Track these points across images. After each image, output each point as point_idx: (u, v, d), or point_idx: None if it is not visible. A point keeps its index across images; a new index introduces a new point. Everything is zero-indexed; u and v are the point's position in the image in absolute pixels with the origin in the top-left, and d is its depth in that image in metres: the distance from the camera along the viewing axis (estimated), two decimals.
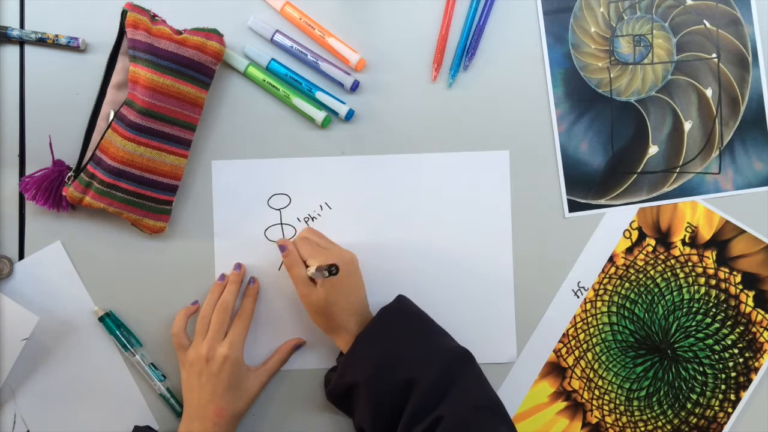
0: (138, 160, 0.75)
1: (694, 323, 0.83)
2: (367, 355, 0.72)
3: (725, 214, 0.83)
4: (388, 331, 0.73)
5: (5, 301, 0.76)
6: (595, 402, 0.83)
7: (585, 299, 0.83)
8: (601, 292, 0.83)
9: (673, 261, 0.83)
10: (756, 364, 0.83)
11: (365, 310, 0.77)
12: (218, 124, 0.81)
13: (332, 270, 0.66)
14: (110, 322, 0.79)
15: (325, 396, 0.78)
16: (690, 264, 0.83)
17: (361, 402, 0.72)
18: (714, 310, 0.83)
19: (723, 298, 0.83)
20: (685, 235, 0.83)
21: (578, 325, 0.83)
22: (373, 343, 0.73)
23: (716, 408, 0.83)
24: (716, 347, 0.83)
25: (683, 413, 0.83)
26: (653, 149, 0.83)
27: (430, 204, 0.82)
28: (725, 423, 0.83)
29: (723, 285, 0.83)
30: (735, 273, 0.83)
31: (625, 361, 0.83)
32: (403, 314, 0.75)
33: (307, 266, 0.74)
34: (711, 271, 0.83)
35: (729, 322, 0.83)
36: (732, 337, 0.83)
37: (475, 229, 0.82)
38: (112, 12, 0.78)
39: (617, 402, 0.83)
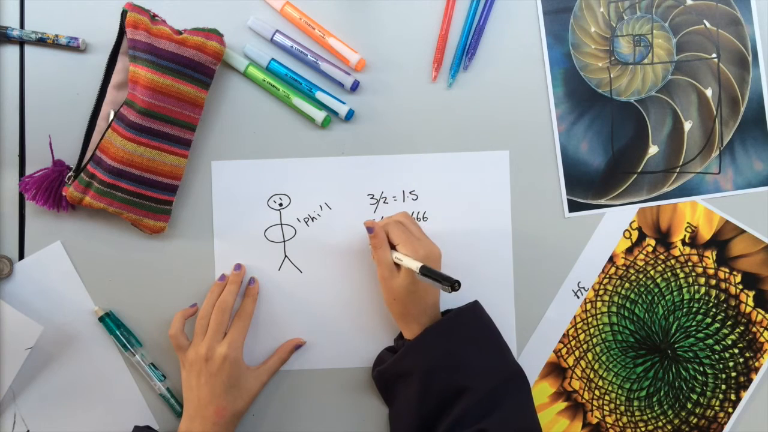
0: (138, 160, 0.75)
1: (694, 323, 0.83)
2: (431, 349, 0.73)
3: (725, 214, 0.83)
4: (457, 333, 0.74)
5: (9, 311, 0.76)
6: (595, 402, 0.83)
7: (585, 299, 0.83)
8: (601, 292, 0.83)
9: (673, 261, 0.83)
10: (756, 364, 0.83)
11: (437, 308, 0.77)
12: (218, 124, 0.81)
13: (455, 286, 0.64)
14: (110, 322, 0.79)
15: (371, 376, 0.81)
16: (690, 264, 0.83)
17: (409, 392, 0.73)
18: (714, 310, 0.83)
19: (723, 298, 0.83)
20: (685, 235, 0.83)
21: (578, 326, 0.83)
22: (440, 339, 0.74)
23: (716, 408, 0.83)
24: (716, 347, 0.83)
25: (683, 413, 0.83)
26: (653, 149, 0.83)
27: (430, 204, 0.82)
28: (725, 423, 0.83)
29: (723, 285, 0.83)
30: (735, 273, 0.83)
31: (625, 362, 0.83)
32: (474, 320, 0.76)
33: (395, 250, 0.74)
34: (711, 271, 0.83)
35: (729, 322, 0.83)
36: (732, 337, 0.83)
37: (475, 229, 0.82)
38: (112, 12, 0.78)
39: (617, 402, 0.83)
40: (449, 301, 0.79)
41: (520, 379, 0.74)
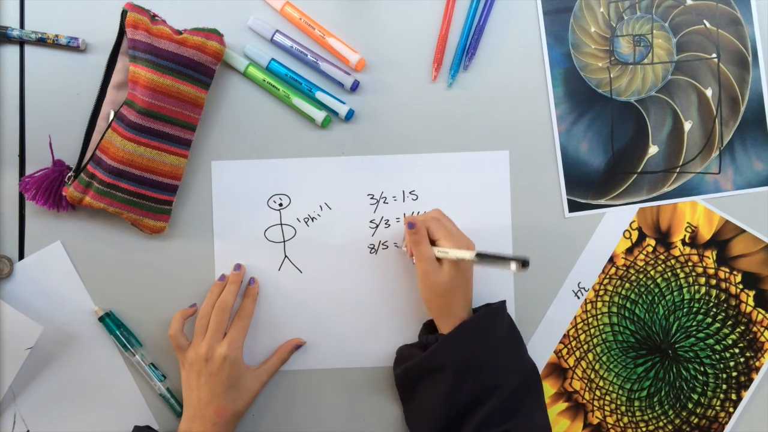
0: (138, 160, 0.75)
1: (694, 323, 0.83)
2: (465, 345, 0.73)
3: (725, 214, 0.83)
4: (488, 330, 0.74)
5: (9, 311, 0.76)
6: (596, 403, 0.83)
7: (585, 300, 0.83)
8: (601, 292, 0.83)
9: (673, 261, 0.83)
10: (757, 364, 0.83)
11: (470, 305, 0.77)
12: (218, 124, 0.81)
13: (525, 264, 0.63)
14: (110, 322, 0.79)
15: (393, 375, 0.81)
16: (690, 264, 0.83)
17: (438, 387, 0.73)
18: (714, 309, 0.83)
19: (723, 297, 0.83)
20: (685, 235, 0.83)
21: (579, 326, 0.83)
22: (475, 335, 0.73)
23: (717, 408, 0.83)
24: (717, 347, 0.83)
25: (684, 413, 0.83)
26: (653, 149, 0.83)
27: (430, 204, 0.82)
28: (726, 423, 0.83)
29: (723, 285, 0.83)
30: (735, 273, 0.83)
31: (626, 362, 0.83)
32: (503, 318, 0.77)
33: (435, 245, 0.74)
34: (711, 271, 0.83)
35: (729, 322, 0.83)
36: (733, 336, 0.83)
37: (475, 229, 0.82)
38: (112, 12, 0.78)
39: (618, 402, 0.83)
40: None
41: (536, 374, 0.76)
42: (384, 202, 0.82)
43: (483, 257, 0.67)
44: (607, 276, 0.83)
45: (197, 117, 0.78)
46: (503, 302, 0.78)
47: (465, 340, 0.73)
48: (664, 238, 0.83)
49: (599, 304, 0.83)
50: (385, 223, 0.82)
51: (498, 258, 0.65)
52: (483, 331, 0.74)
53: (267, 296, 0.81)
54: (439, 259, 0.74)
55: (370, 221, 0.82)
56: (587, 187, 0.83)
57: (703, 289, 0.83)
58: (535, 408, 0.74)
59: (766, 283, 0.83)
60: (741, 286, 0.83)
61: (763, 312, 0.83)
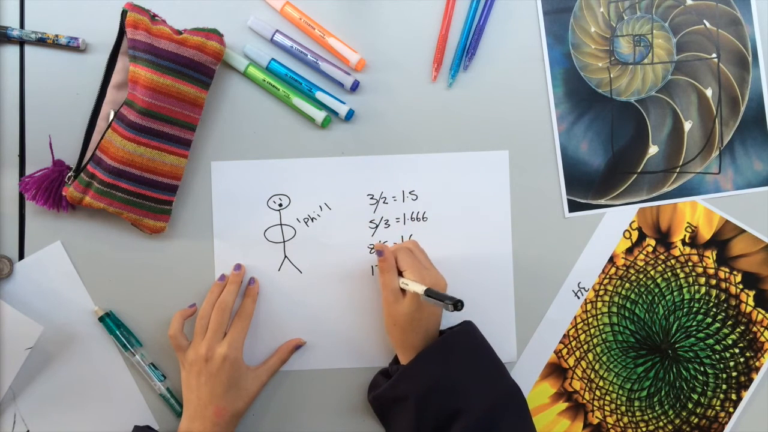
0: (138, 160, 0.75)
1: (694, 323, 0.83)
2: (424, 374, 0.73)
3: (725, 213, 0.83)
4: (448, 356, 0.73)
5: (9, 311, 0.76)
6: (596, 403, 0.83)
7: (585, 300, 0.83)
8: (601, 292, 0.83)
9: (673, 261, 0.83)
10: (757, 364, 0.83)
11: (436, 336, 0.76)
12: (218, 124, 0.81)
13: (458, 306, 0.64)
14: (110, 322, 0.79)
15: (367, 398, 0.81)
16: (690, 264, 0.83)
17: (405, 416, 0.73)
18: (714, 309, 0.83)
19: (723, 297, 0.83)
20: (685, 235, 0.83)
21: (579, 326, 0.83)
22: (432, 363, 0.73)
23: (717, 408, 0.83)
24: (717, 347, 0.83)
25: (684, 413, 0.83)
26: (653, 149, 0.83)
27: (430, 204, 0.82)
28: (726, 423, 0.83)
29: (723, 285, 0.83)
30: (735, 273, 0.83)
31: (626, 362, 0.83)
32: (466, 341, 0.75)
33: (401, 275, 0.75)
34: (711, 271, 0.83)
35: (729, 322, 0.83)
36: (733, 336, 0.83)
37: (475, 229, 0.82)
38: (112, 12, 0.78)
39: (618, 402, 0.83)
40: (447, 320, 0.79)
41: (517, 397, 0.73)
42: (384, 203, 0.82)
43: (429, 295, 0.68)
44: (607, 276, 0.83)
45: (197, 117, 0.78)
46: (465, 323, 0.77)
47: (424, 370, 0.73)
48: (664, 238, 0.83)
49: (599, 304, 0.83)
50: (385, 223, 0.82)
51: (439, 297, 0.66)
52: (442, 357, 0.73)
53: (267, 296, 0.81)
54: (403, 290, 0.74)
55: (370, 221, 0.82)
56: (587, 187, 0.83)
57: (703, 289, 0.83)
58: (512, 428, 0.71)
59: (766, 283, 0.83)
60: (741, 286, 0.83)
61: (763, 312, 0.83)
